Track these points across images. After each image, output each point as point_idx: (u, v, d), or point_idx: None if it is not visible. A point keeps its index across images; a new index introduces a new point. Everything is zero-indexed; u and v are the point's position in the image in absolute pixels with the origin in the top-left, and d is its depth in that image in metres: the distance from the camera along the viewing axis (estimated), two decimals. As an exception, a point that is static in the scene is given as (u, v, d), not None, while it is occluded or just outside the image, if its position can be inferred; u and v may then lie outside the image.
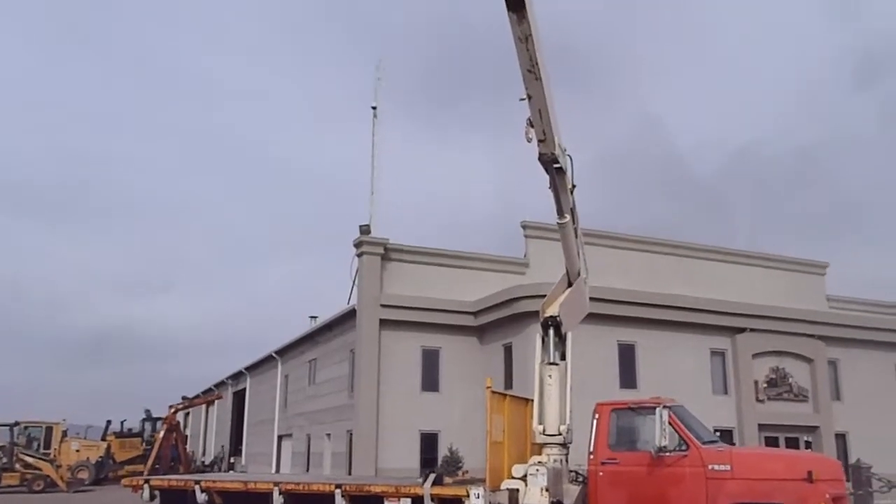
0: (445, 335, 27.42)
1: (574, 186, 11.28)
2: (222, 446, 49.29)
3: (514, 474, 10.65)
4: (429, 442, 26.33)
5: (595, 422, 10.40)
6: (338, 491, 10.69)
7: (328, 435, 30.01)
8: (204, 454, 55.39)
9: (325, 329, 32.03)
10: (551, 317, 11.50)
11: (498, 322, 26.42)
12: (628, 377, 25.93)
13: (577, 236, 11.72)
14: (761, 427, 27.51)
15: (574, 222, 11.49)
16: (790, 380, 28.65)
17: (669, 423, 9.72)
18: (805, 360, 29.07)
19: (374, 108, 30.01)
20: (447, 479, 11.07)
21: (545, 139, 10.10)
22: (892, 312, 34.65)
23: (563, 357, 11.47)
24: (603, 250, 27.36)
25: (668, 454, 9.70)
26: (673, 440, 9.77)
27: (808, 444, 28.15)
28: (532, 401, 11.40)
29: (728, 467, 9.58)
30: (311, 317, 37.42)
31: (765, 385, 28.25)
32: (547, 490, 10.21)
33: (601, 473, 10.12)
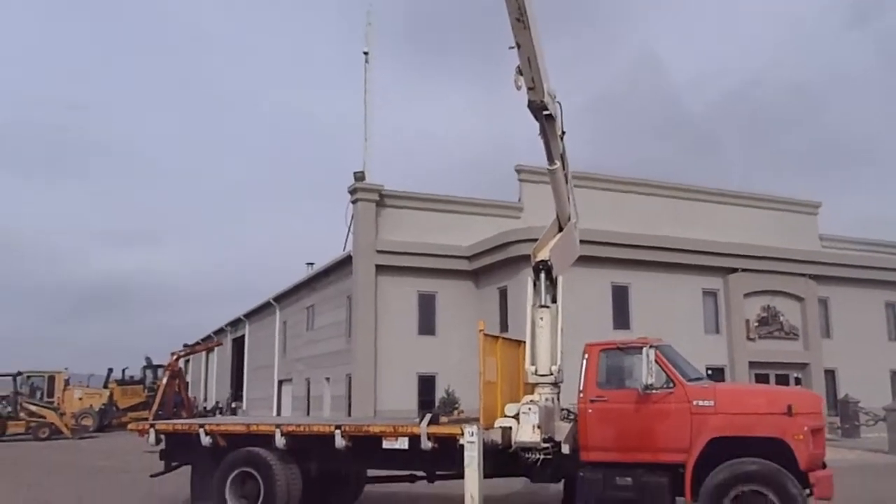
0: (441, 279, 27.75)
1: (564, 133, 11.36)
2: (230, 392, 49.96)
3: (507, 413, 10.95)
4: (426, 384, 26.85)
5: (584, 362, 10.65)
6: (338, 432, 10.96)
7: (327, 379, 30.53)
8: (205, 400, 56.17)
9: (321, 275, 32.34)
10: (542, 261, 11.68)
11: (493, 266, 26.71)
12: (622, 318, 26.37)
13: (567, 181, 11.84)
14: (752, 365, 28.05)
15: (564, 168, 11.60)
16: (781, 318, 29.08)
17: (656, 362, 9.96)
18: (796, 299, 29.48)
19: (365, 53, 29.89)
20: (443, 419, 11.41)
21: (534, 87, 10.19)
22: (882, 251, 34.97)
23: (554, 300, 11.69)
24: (596, 192, 27.60)
25: (654, 391, 9.96)
26: (659, 378, 10.01)
27: (797, 381, 28.73)
28: (525, 342, 11.68)
29: (711, 403, 9.85)
30: (308, 263, 37.67)
31: (756, 324, 28.70)
32: (539, 427, 10.52)
33: (590, 411, 10.39)
